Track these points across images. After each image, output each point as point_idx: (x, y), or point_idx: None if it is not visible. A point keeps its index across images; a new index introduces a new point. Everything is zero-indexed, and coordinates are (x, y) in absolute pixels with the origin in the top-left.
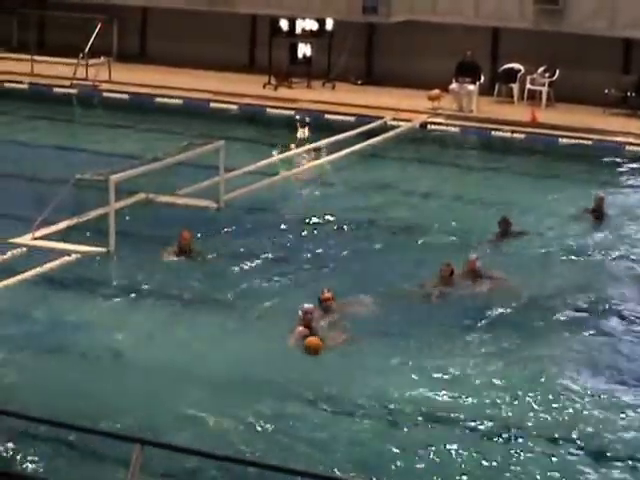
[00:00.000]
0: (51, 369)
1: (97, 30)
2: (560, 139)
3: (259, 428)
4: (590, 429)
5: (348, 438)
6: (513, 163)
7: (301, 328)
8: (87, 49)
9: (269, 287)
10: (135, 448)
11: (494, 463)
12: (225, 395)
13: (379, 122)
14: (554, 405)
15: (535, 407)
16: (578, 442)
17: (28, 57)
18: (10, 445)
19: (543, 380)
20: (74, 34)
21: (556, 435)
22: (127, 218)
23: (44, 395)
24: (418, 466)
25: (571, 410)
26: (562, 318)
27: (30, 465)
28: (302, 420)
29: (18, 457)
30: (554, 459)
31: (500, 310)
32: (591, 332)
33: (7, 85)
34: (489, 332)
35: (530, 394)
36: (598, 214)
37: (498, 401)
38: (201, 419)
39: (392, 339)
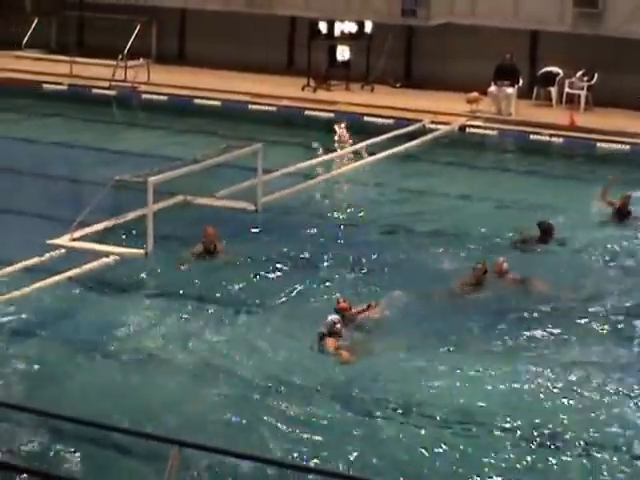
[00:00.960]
0: (87, 369)
1: (136, 32)
2: (598, 143)
3: (287, 429)
4: (624, 433)
5: (378, 439)
6: (551, 167)
7: (331, 340)
8: (126, 50)
9: (300, 289)
10: (172, 450)
11: (524, 465)
12: (255, 397)
13: (417, 125)
14: (588, 410)
15: (565, 411)
16: (611, 447)
17: (67, 58)
18: (48, 446)
19: (575, 384)
20: (113, 36)
21: (590, 439)
22: (165, 220)
23: (81, 395)
24: (446, 468)
25: (602, 415)
26: (594, 321)
27: (67, 466)
28: (331, 421)
29: (56, 458)
30: (588, 463)
31: (529, 313)
32: (623, 335)
33: (46, 86)
34: (517, 333)
35: (561, 398)
36: (623, 213)
37: (530, 404)
38: (233, 420)
39: (421, 339)
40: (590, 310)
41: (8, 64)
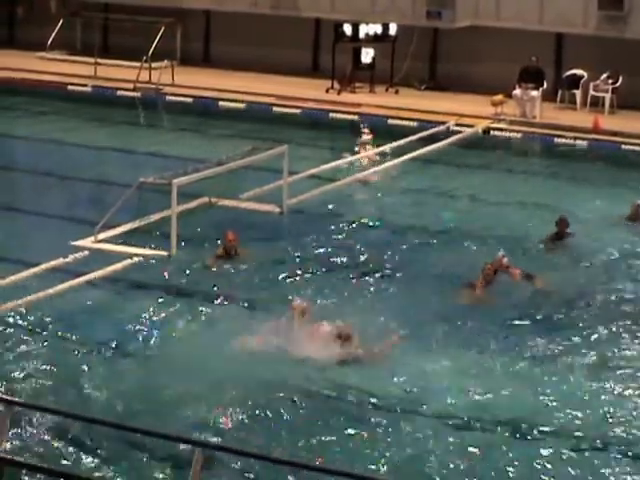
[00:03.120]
0: (110, 371)
1: (161, 33)
2: (622, 146)
3: (307, 430)
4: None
5: (395, 441)
6: (575, 170)
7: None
8: (150, 52)
9: (325, 292)
10: (196, 452)
11: (531, 465)
12: (276, 398)
13: (442, 127)
14: (598, 409)
15: (575, 410)
16: (620, 446)
17: (92, 60)
18: (72, 446)
19: (583, 381)
20: (138, 37)
21: (603, 437)
22: (189, 222)
23: (104, 396)
24: (450, 466)
25: (613, 414)
26: (600, 322)
27: (91, 467)
28: (353, 422)
29: (80, 459)
30: (596, 461)
31: (537, 310)
32: (629, 337)
33: (71, 88)
34: (520, 332)
35: (570, 396)
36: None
37: (539, 403)
38: (255, 421)
39: (435, 340)
40: (598, 309)
41: (33, 65)
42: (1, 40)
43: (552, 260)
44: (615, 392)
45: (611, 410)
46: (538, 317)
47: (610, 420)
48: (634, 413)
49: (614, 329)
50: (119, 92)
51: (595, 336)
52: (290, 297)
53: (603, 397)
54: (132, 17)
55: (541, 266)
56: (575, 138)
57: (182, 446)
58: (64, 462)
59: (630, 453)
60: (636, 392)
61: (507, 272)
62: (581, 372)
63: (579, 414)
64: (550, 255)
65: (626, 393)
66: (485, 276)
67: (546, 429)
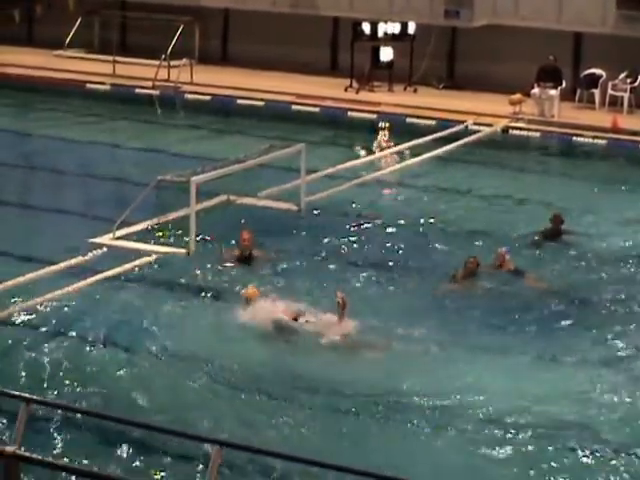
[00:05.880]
0: (128, 368)
1: (179, 31)
2: None
3: (314, 426)
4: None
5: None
6: (594, 169)
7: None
8: (169, 50)
9: (343, 289)
10: (213, 449)
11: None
12: (289, 396)
13: (460, 126)
14: (572, 407)
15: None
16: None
17: (110, 58)
18: (89, 444)
19: (574, 378)
20: (156, 35)
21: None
22: (207, 220)
23: (120, 393)
24: (438, 461)
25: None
26: (588, 320)
27: (106, 464)
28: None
29: (96, 456)
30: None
31: (525, 305)
32: (615, 335)
33: (89, 86)
34: (510, 325)
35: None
36: None
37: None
38: (270, 419)
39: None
40: (582, 306)
41: (51, 63)
42: (20, 38)
43: (543, 256)
44: (607, 387)
45: (603, 404)
46: (522, 310)
47: (597, 412)
48: (617, 404)
49: (605, 325)
50: (137, 90)
51: (585, 331)
52: (308, 294)
53: (594, 391)
54: (150, 15)
55: (532, 262)
56: (594, 137)
57: (201, 445)
58: (79, 459)
59: (608, 442)
60: (622, 385)
61: (503, 269)
62: (564, 367)
63: (565, 409)
64: (541, 251)
65: (616, 388)
66: (467, 269)
67: (527, 422)
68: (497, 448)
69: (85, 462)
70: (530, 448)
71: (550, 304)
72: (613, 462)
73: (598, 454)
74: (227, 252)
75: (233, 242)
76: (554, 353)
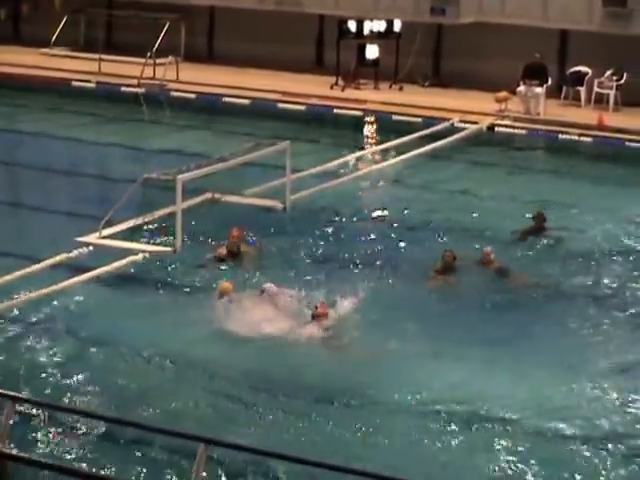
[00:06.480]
0: (113, 366)
1: (165, 29)
2: (627, 143)
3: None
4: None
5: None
6: (579, 166)
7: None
8: (155, 48)
9: (328, 288)
10: (199, 447)
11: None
12: (282, 395)
13: (446, 124)
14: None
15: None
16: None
17: (96, 56)
18: (75, 442)
19: (552, 373)
20: (142, 33)
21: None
22: (193, 218)
23: (106, 392)
24: (427, 455)
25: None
26: (566, 316)
27: (93, 462)
28: (341, 418)
29: (82, 454)
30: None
31: (508, 303)
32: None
33: (75, 84)
34: (492, 323)
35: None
36: None
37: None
38: (257, 417)
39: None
40: (562, 303)
41: (37, 62)
42: (6, 37)
43: (527, 253)
44: (592, 381)
45: (586, 397)
46: (507, 308)
47: (580, 405)
48: (600, 397)
49: (590, 321)
50: (123, 88)
51: (569, 328)
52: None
53: (578, 386)
54: (136, 13)
55: (516, 259)
56: (579, 135)
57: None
58: (66, 458)
59: (592, 436)
60: (606, 379)
61: (489, 267)
62: (548, 364)
63: (550, 404)
64: (525, 248)
65: (599, 381)
66: (444, 262)
67: (512, 419)
68: (483, 444)
69: (69, 459)
70: (519, 444)
71: (534, 301)
72: (603, 454)
73: (586, 445)
74: (216, 250)
75: (219, 240)
76: (539, 350)
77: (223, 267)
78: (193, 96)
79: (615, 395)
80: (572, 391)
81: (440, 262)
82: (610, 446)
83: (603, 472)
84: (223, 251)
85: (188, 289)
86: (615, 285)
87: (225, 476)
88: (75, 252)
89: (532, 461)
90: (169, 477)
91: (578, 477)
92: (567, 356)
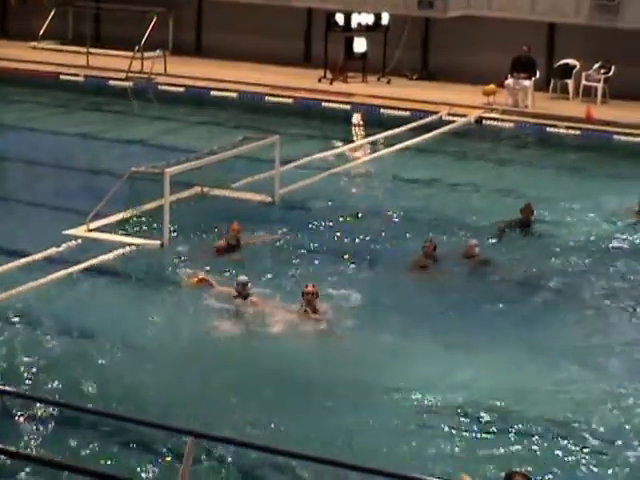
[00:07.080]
0: (102, 360)
1: (153, 23)
2: (615, 136)
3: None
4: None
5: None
6: (567, 159)
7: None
8: (143, 42)
9: (316, 280)
10: (188, 440)
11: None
12: (272, 388)
13: (434, 117)
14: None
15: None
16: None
17: (84, 50)
18: (62, 435)
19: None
20: (130, 27)
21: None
22: (181, 211)
23: (94, 386)
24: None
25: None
26: (558, 309)
27: (81, 455)
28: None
29: (71, 447)
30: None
31: (493, 296)
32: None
33: (63, 77)
34: (477, 316)
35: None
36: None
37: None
38: (248, 410)
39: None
40: (550, 294)
41: (25, 55)
42: None
43: (514, 246)
44: (578, 374)
45: (569, 393)
46: (492, 300)
47: (566, 400)
48: (583, 391)
49: (576, 313)
50: (111, 82)
51: (555, 320)
52: (282, 285)
53: (565, 379)
54: (124, 7)
55: (503, 252)
56: (567, 128)
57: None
58: (54, 451)
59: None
60: (592, 372)
61: (472, 260)
62: (536, 356)
63: (535, 397)
64: (512, 241)
65: (585, 375)
66: (425, 252)
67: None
68: (469, 440)
69: (54, 452)
70: (503, 438)
71: (520, 294)
72: (590, 449)
73: (569, 441)
74: (211, 243)
75: (207, 234)
76: (525, 342)
77: (210, 261)
78: (181, 89)
79: (604, 384)
80: (558, 382)
81: (421, 252)
82: (620, 442)
83: (616, 469)
84: (222, 244)
85: (176, 282)
86: (600, 277)
87: (215, 470)
88: (63, 245)
89: (528, 457)
90: (158, 470)
91: (588, 474)
92: (551, 347)
